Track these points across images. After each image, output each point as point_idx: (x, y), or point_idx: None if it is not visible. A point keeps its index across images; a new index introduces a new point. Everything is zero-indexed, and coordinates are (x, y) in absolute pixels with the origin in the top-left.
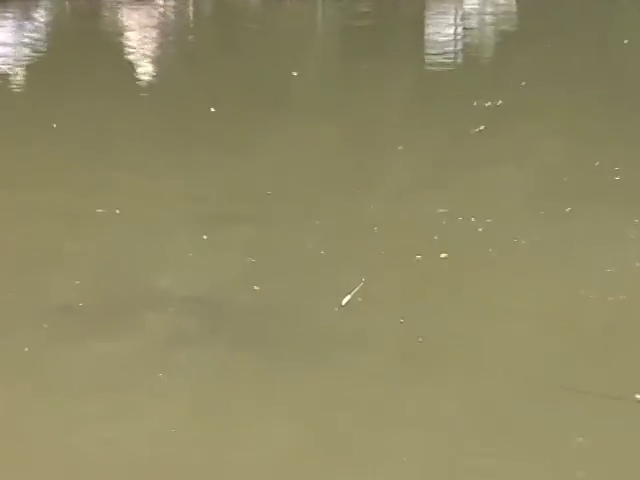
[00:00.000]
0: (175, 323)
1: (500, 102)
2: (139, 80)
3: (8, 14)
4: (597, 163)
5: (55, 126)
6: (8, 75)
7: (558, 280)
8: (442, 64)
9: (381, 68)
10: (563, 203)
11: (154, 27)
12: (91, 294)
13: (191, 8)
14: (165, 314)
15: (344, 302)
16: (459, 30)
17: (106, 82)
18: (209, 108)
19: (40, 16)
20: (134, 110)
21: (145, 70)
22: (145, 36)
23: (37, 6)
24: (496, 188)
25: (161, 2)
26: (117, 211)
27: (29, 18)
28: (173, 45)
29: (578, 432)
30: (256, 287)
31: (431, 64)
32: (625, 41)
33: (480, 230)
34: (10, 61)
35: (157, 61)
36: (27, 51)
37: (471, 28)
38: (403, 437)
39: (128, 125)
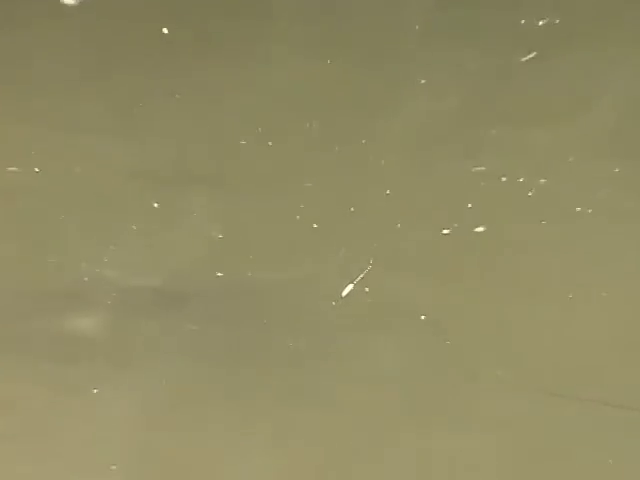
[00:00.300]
0: (117, 323)
1: (558, 20)
2: None
3: None
4: None
5: None
6: None
7: (637, 265)
8: None
9: None
10: None
11: None
12: (3, 285)
13: None
14: (104, 310)
15: (345, 293)
16: None
17: None
18: (160, 29)
19: None
20: (59, 33)
21: None
22: None
23: None
24: (552, 137)
25: None
26: (36, 169)
27: None
28: None
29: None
30: (222, 273)
31: None
32: None
33: (530, 195)
34: None
35: None
36: None
37: None
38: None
39: (50, 53)
